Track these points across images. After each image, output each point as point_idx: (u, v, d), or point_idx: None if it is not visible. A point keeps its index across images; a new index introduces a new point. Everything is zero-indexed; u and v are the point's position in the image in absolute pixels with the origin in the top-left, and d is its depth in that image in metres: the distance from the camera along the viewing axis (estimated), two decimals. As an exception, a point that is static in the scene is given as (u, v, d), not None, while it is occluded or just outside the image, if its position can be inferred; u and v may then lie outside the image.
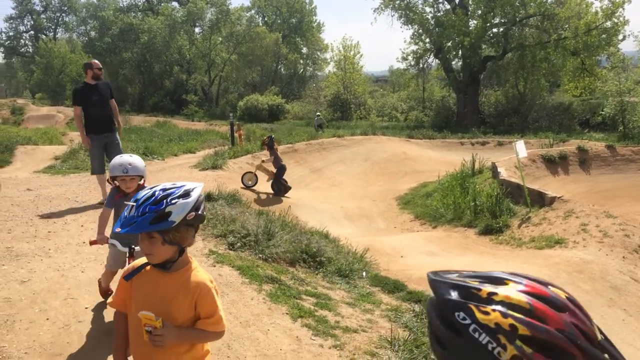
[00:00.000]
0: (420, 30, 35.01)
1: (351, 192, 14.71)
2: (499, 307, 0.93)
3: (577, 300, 0.98)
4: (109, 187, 7.54)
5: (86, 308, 4.20)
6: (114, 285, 4.66)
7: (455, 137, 22.83)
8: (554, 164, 14.87)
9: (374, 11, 36.07)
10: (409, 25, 35.38)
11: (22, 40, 67.39)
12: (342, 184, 15.80)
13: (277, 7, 58.38)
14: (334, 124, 37.13)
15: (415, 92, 43.03)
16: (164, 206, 1.88)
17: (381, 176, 16.46)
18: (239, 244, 6.17)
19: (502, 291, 0.95)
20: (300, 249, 6.40)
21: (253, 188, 12.14)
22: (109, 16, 56.83)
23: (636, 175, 15.22)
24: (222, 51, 52.35)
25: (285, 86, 54.11)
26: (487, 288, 0.96)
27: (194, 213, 1.93)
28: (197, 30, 56.14)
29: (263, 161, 12.28)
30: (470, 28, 32.74)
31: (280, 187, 12.10)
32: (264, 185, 12.45)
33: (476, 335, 0.92)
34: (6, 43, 65.88)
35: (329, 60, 53.96)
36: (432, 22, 34.54)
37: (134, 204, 1.90)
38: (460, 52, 34.14)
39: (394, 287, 5.95)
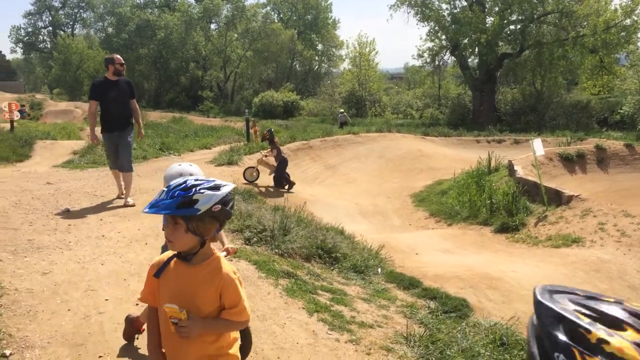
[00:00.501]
0: (437, 27, 34.85)
1: (366, 189, 14.71)
2: None
3: None
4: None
5: (106, 300, 4.26)
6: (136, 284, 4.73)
7: (471, 134, 22.70)
8: (572, 162, 14.73)
9: (390, 8, 36.03)
10: (425, 22, 35.24)
11: (40, 36, 68.30)
12: (357, 181, 15.80)
13: (292, 3, 58.44)
14: (350, 120, 37.13)
15: (430, 90, 42.88)
16: (192, 193, 1.94)
17: (396, 173, 16.43)
18: (255, 239, 6.20)
19: (616, 341, 0.80)
20: (316, 244, 6.43)
21: (255, 183, 12.15)
22: (126, 12, 57.26)
23: (655, 174, 15.03)
24: (238, 47, 52.57)
25: (300, 83, 54.20)
26: (600, 332, 0.81)
27: (219, 206, 1.97)
28: (213, 26, 56.47)
29: (265, 156, 12.27)
30: (487, 25, 32.51)
31: (282, 181, 12.04)
32: (266, 180, 12.52)
33: None
34: (25, 39, 66.76)
35: (344, 57, 54.04)
36: (449, 19, 34.35)
37: (165, 188, 1.96)
38: (476, 50, 33.94)
39: (409, 283, 5.96)
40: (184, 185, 1.96)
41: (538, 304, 0.91)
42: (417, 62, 38.99)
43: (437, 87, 42.01)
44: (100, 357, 3.44)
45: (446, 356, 3.87)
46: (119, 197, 7.84)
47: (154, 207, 1.93)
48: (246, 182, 11.77)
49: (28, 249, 5.31)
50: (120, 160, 7.70)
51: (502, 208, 9.96)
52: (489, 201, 10.23)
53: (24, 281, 4.51)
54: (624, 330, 0.82)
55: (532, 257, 7.88)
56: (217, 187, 2.01)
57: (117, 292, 4.43)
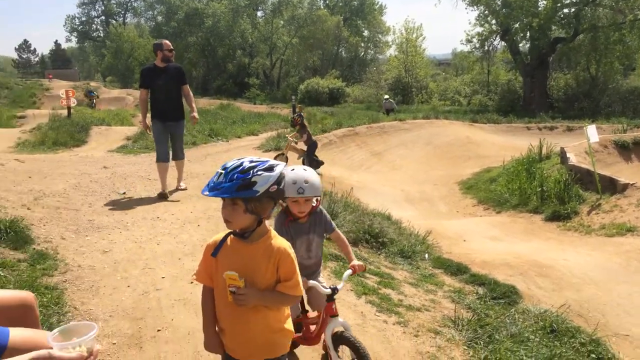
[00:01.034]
0: (487, 12, 34.01)
1: (412, 175, 14.63)
2: None
3: None
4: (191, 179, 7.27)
5: (163, 277, 4.44)
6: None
7: (521, 121, 22.16)
8: (627, 150, 14.19)
9: (439, -8, 35.28)
10: (475, 7, 34.47)
11: (93, 25, 70.47)
12: (403, 168, 15.72)
13: (339, -11, 58.08)
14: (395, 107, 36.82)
15: (479, 76, 41.97)
16: (250, 176, 2.00)
17: (443, 160, 16.25)
18: (303, 223, 6.31)
19: None
20: (363, 229, 6.47)
21: None
22: (175, 1, 58.30)
23: None
24: (284, 35, 52.81)
25: (345, 69, 54.01)
26: None
27: (276, 186, 2.05)
28: (259, 13, 56.92)
29: (295, 142, 11.69)
30: (540, 8, 31.49)
31: (313, 164, 11.34)
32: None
33: None
34: (79, 28, 69.04)
35: (390, 43, 53.46)
36: (499, 2, 33.41)
37: (223, 171, 2.02)
38: (528, 34, 32.96)
39: (456, 269, 5.94)
40: (242, 167, 2.02)
41: None
42: (466, 48, 38.30)
43: (486, 73, 41.05)
44: (158, 330, 3.60)
45: (495, 340, 3.87)
46: (160, 196, 7.25)
47: (214, 190, 2.00)
48: None
49: (89, 229, 5.58)
50: (174, 151, 7.69)
51: (553, 196, 9.73)
52: (539, 189, 10.01)
53: (86, 259, 4.75)
54: None
55: (585, 246, 7.69)
56: (271, 168, 2.07)
57: (172, 271, 4.61)
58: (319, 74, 46.45)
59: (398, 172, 15.16)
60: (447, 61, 72.98)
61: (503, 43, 35.45)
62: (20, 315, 2.35)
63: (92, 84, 43.79)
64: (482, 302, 5.03)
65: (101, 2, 68.27)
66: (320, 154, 14.46)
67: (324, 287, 2.89)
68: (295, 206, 2.83)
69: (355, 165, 15.11)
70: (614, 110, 27.70)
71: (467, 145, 17.55)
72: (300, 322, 3.08)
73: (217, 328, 2.25)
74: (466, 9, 35.70)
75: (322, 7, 57.35)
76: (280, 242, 2.18)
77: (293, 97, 21.03)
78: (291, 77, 53.98)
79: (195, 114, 7.70)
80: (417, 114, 22.17)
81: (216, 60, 54.63)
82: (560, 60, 34.84)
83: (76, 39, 71.50)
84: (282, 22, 53.47)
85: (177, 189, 7.69)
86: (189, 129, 13.46)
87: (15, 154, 12.83)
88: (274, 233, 2.21)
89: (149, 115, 7.62)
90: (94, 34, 70.16)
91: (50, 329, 2.59)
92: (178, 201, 7.10)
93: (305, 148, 11.50)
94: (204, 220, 6.09)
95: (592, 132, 9.96)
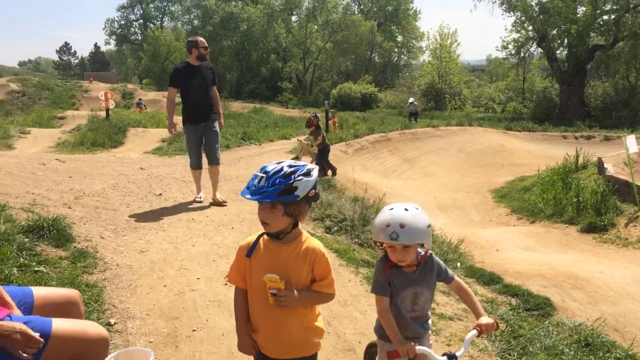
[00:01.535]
0: (523, 18, 33.52)
1: (444, 183, 14.52)
2: None
3: None
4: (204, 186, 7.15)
5: (198, 278, 4.53)
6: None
7: (557, 130, 21.76)
8: (668, 161, 13.80)
9: (474, -2, 34.97)
10: (511, 13, 34.01)
11: (132, 29, 71.98)
12: (435, 175, 15.62)
13: (373, -6, 58.06)
14: (427, 113, 36.58)
15: (514, 83, 41.35)
16: (292, 181, 2.06)
17: (476, 168, 16.08)
18: (335, 228, 6.34)
19: None
20: (395, 236, 6.47)
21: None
22: (211, 5, 59.13)
23: None
24: (318, 39, 53.02)
25: (378, 75, 53.90)
26: None
27: (314, 191, 2.11)
28: (293, 18, 57.21)
29: (311, 145, 10.96)
30: (578, 15, 30.89)
31: (324, 170, 10.80)
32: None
33: None
34: (118, 31, 70.63)
35: (424, 48, 53.14)
36: (536, 9, 32.91)
37: (264, 175, 2.07)
38: (565, 41, 32.37)
39: (489, 279, 5.88)
40: (283, 172, 2.07)
41: None
42: (501, 54, 37.79)
43: (521, 80, 40.42)
44: (194, 330, 3.69)
45: (528, 352, 3.83)
46: (195, 201, 7.14)
47: (257, 193, 2.04)
48: None
49: (126, 228, 5.72)
50: (208, 153, 7.10)
51: (589, 207, 9.54)
52: (575, 199, 9.82)
53: (124, 258, 4.88)
54: None
55: (621, 259, 7.52)
56: (309, 173, 2.13)
57: (207, 272, 4.69)
58: (352, 79, 46.45)
59: (430, 179, 15.07)
60: (481, 67, 72.26)
61: (540, 50, 34.88)
62: (66, 312, 2.46)
63: (129, 86, 44.77)
64: (515, 313, 4.97)
65: (140, 6, 69.76)
66: (352, 159, 14.52)
67: (436, 356, 2.27)
68: (392, 253, 2.34)
69: (387, 171, 15.08)
70: (654, 120, 26.94)
71: (500, 153, 17.34)
72: None
73: (250, 328, 2.30)
74: (502, 15, 35.26)
75: (356, 12, 57.43)
76: (314, 242, 2.24)
77: (326, 102, 21.02)
78: (324, 82, 54.16)
79: (222, 120, 7.34)
80: (450, 121, 21.98)
81: (250, 64, 55.19)
82: (598, 67, 34.08)
83: (115, 42, 73.21)
84: (316, 26, 53.71)
85: (214, 203, 7.02)
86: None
87: (56, 153, 13.23)
88: (306, 234, 2.27)
89: (178, 118, 7.24)
90: (132, 37, 71.71)
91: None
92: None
93: (316, 151, 10.82)
94: (237, 223, 6.18)
95: (631, 142, 9.73)
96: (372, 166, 14.92)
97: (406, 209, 2.29)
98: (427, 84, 42.96)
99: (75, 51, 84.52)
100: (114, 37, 71.40)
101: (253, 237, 2.27)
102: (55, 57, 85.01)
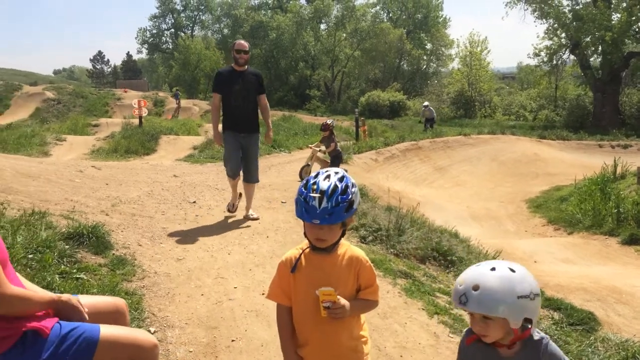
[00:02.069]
0: (556, 25, 32.97)
1: (477, 192, 14.30)
2: None
3: None
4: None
5: (235, 287, 4.51)
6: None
7: (592, 138, 21.27)
8: None
9: (506, 5, 34.61)
10: (544, 20, 33.50)
11: (163, 38, 73.31)
12: (467, 184, 15.40)
13: (402, 2, 57.97)
14: (457, 121, 36.21)
15: (546, 90, 40.65)
16: (350, 196, 2.02)
17: (509, 177, 15.81)
18: (370, 238, 6.26)
19: None
20: (431, 246, 6.36)
21: None
22: (241, 14, 59.87)
23: None
24: (346, 47, 53.10)
25: (407, 82, 53.69)
26: None
27: (360, 199, 2.08)
28: (322, 26, 57.42)
29: (324, 152, 10.33)
30: (613, 22, 30.22)
31: None
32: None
33: None
34: (150, 40, 72.01)
35: (453, 56, 52.72)
36: (570, 15, 32.34)
37: (320, 195, 2.00)
38: (600, 48, 31.69)
39: (529, 292, 5.73)
40: (339, 189, 2.02)
41: None
42: (533, 61, 37.20)
43: (553, 87, 39.71)
44: (232, 340, 3.65)
45: (577, 370, 3.70)
46: (228, 210, 6.87)
47: (325, 217, 1.98)
48: (300, 181, 9.65)
49: (163, 236, 5.75)
50: (246, 169, 6.74)
51: (631, 218, 9.25)
52: (615, 210, 9.54)
53: (161, 265, 4.89)
54: None
55: (667, 273, 7.27)
56: (353, 182, 2.10)
57: (244, 281, 4.67)
58: (380, 87, 46.32)
59: (462, 188, 14.87)
60: (511, 75, 71.37)
61: (573, 57, 34.26)
62: (113, 320, 2.46)
63: (160, 94, 45.45)
64: (558, 328, 4.82)
65: (171, 16, 71.00)
66: (382, 167, 14.43)
67: None
68: (471, 321, 1.85)
69: (418, 179, 14.94)
70: (691, 129, 26.15)
71: (534, 162, 17.02)
72: None
73: (296, 344, 2.25)
74: (534, 21, 34.70)
75: (385, 20, 57.38)
76: (355, 250, 2.21)
77: (356, 110, 20.99)
78: (352, 90, 54.17)
79: (271, 133, 6.99)
80: (482, 129, 21.68)
81: (279, 72, 55.55)
82: (633, 75, 33.29)
83: (147, 51, 74.60)
84: (344, 34, 53.81)
85: (246, 218, 6.69)
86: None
87: (91, 160, 13.47)
88: (345, 243, 2.23)
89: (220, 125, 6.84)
90: (164, 45, 72.99)
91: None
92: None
93: (327, 159, 10.25)
94: (272, 232, 6.16)
95: (675, 152, 9.44)
96: (402, 174, 14.80)
97: (493, 269, 1.76)
98: (456, 92, 42.54)
99: (108, 60, 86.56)
100: (145, 45, 72.83)
101: (294, 252, 2.22)
102: (89, 66, 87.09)
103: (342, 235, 2.16)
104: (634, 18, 29.81)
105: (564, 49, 33.87)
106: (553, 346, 1.85)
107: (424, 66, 57.79)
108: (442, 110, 40.59)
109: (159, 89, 71.24)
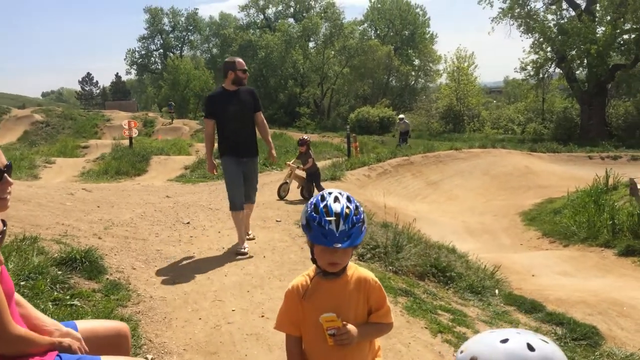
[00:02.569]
0: (542, 39, 33.41)
1: (470, 206, 14.28)
2: None
3: None
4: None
5: (233, 310, 4.41)
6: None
7: (582, 150, 21.40)
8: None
9: (492, 20, 35.05)
10: (529, 34, 33.97)
11: (152, 58, 73.35)
12: (460, 198, 15.39)
13: (389, 19, 58.59)
14: (446, 136, 36.40)
15: (533, 104, 41.02)
16: (362, 215, 2.00)
17: (502, 191, 15.82)
18: (368, 255, 6.18)
19: None
20: (430, 262, 6.30)
21: (285, 199, 9.73)
22: (230, 34, 60.15)
23: None
24: (335, 64, 53.38)
25: (396, 98, 54.01)
26: None
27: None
28: (311, 44, 57.76)
29: (299, 167, 9.95)
30: (598, 35, 30.67)
31: (312, 192, 9.53)
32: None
33: None
34: (139, 61, 72.01)
35: (441, 71, 53.19)
36: (555, 30, 32.80)
37: (335, 218, 1.94)
38: (585, 61, 32.12)
39: (531, 307, 5.67)
40: (351, 210, 1.98)
41: None
42: (520, 75, 37.57)
43: (540, 100, 40.10)
44: (233, 366, 3.55)
45: (586, 388, 3.62)
46: (237, 252, 5.93)
47: (345, 240, 1.93)
48: (279, 199, 9.60)
49: (157, 259, 5.64)
50: (248, 191, 6.19)
51: (626, 229, 9.24)
52: (610, 222, 9.54)
53: (157, 289, 4.78)
54: None
55: (665, 284, 7.23)
56: (359, 204, 2.04)
57: (242, 303, 4.57)
58: (369, 103, 46.55)
59: (455, 202, 14.85)
60: (498, 89, 72.00)
61: (559, 70, 34.66)
62: (116, 345, 2.38)
63: (150, 114, 45.30)
64: (562, 344, 4.75)
65: (160, 37, 71.13)
66: (375, 183, 14.39)
67: None
68: None
69: (411, 195, 14.91)
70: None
71: (526, 175, 17.06)
72: None
73: None
74: (520, 36, 35.09)
75: (373, 37, 57.87)
76: (363, 271, 2.15)
77: (347, 127, 21.01)
78: (341, 106, 54.39)
79: (274, 152, 6.53)
80: (473, 143, 21.76)
81: (268, 90, 55.63)
82: (618, 87, 33.72)
83: (135, 72, 74.58)
84: (333, 52, 54.14)
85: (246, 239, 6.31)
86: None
87: (81, 182, 13.33)
88: (353, 265, 2.17)
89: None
90: (152, 66, 72.96)
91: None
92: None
93: (304, 175, 9.90)
94: (268, 252, 6.07)
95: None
96: (395, 190, 14.76)
97: (505, 340, 1.31)
98: (445, 107, 42.83)
99: (97, 81, 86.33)
100: (134, 66, 72.81)
101: (301, 279, 2.15)
102: (78, 88, 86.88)
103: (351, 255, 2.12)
104: (618, 31, 30.28)
105: (550, 63, 34.29)
106: None
107: (412, 82, 58.23)
108: (432, 125, 40.81)
109: (149, 110, 71.14)
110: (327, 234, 1.94)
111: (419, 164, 16.97)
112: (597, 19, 31.71)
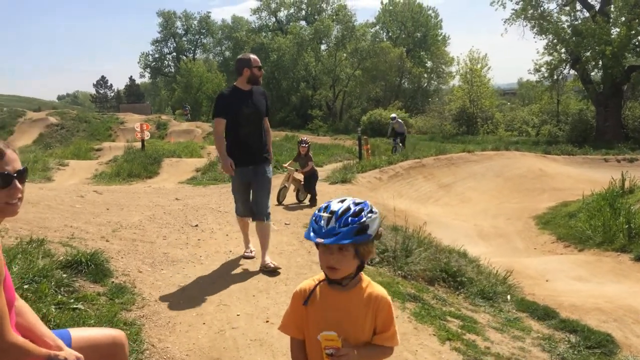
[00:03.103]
0: (555, 40, 32.98)
1: (483, 209, 14.09)
2: None
3: None
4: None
5: (237, 315, 4.34)
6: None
7: (597, 153, 21.07)
8: None
9: (505, 22, 34.66)
10: (543, 36, 33.50)
11: (165, 61, 73.89)
12: (473, 201, 15.20)
13: (402, 22, 58.44)
14: (460, 138, 36.13)
15: (548, 105, 40.58)
16: (363, 219, 1.89)
17: (515, 193, 15.60)
18: (377, 259, 6.09)
19: None
20: (440, 267, 6.20)
21: (283, 203, 9.49)
22: (242, 37, 60.43)
23: None
24: (347, 67, 53.33)
25: (408, 100, 53.83)
26: None
27: (381, 229, 1.93)
28: (323, 47, 57.80)
29: (297, 170, 9.70)
30: (613, 36, 30.24)
31: (315, 199, 9.44)
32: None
33: None
34: (152, 64, 72.56)
35: (454, 73, 52.90)
36: (569, 31, 32.39)
37: (330, 215, 1.88)
38: (600, 63, 31.67)
39: (544, 313, 5.53)
40: (352, 210, 1.90)
41: None
42: (534, 77, 37.17)
43: (555, 102, 39.65)
44: (236, 373, 3.48)
45: (601, 398, 3.50)
46: (244, 256, 5.87)
47: (330, 236, 1.85)
48: (277, 204, 9.25)
49: (164, 262, 5.59)
50: (255, 204, 5.57)
51: (643, 234, 9.03)
52: (626, 226, 9.33)
53: (162, 293, 4.73)
54: None
55: (683, 290, 7.04)
56: (372, 209, 1.95)
57: (247, 308, 4.50)
58: (382, 105, 46.41)
59: (468, 205, 14.67)
60: (512, 91, 71.52)
61: (573, 72, 34.23)
62: (112, 355, 2.32)
63: (163, 117, 45.52)
64: (576, 352, 4.63)
65: (173, 40, 71.60)
66: (386, 186, 14.26)
67: None
68: None
69: (422, 197, 14.75)
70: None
71: (540, 178, 16.81)
72: None
73: None
74: (534, 37, 34.62)
75: (385, 39, 57.76)
76: (377, 288, 2.04)
77: (358, 129, 20.91)
78: (353, 109, 54.30)
79: (271, 157, 5.90)
80: (486, 145, 21.54)
81: (280, 92, 55.74)
82: (635, 88, 33.23)
83: (149, 75, 75.12)
84: (345, 54, 54.10)
85: (264, 269, 5.41)
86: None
87: (93, 185, 13.37)
88: (367, 279, 2.06)
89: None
90: (166, 69, 73.49)
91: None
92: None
93: (301, 179, 9.68)
94: (275, 255, 5.99)
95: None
96: (407, 193, 14.60)
97: None
98: (458, 109, 42.52)
99: (111, 84, 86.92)
100: (148, 69, 73.31)
101: (309, 283, 2.07)
102: (93, 90, 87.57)
103: (361, 268, 2.00)
104: (633, 32, 29.84)
105: (564, 64, 33.86)
106: None
107: (425, 84, 58.04)
108: (445, 127, 40.54)
109: (162, 112, 71.57)
110: (314, 228, 1.89)
111: (431, 166, 16.80)
112: (611, 20, 31.27)
